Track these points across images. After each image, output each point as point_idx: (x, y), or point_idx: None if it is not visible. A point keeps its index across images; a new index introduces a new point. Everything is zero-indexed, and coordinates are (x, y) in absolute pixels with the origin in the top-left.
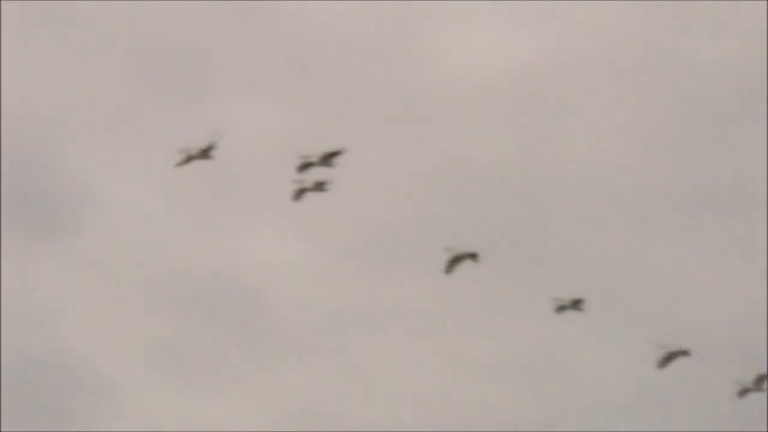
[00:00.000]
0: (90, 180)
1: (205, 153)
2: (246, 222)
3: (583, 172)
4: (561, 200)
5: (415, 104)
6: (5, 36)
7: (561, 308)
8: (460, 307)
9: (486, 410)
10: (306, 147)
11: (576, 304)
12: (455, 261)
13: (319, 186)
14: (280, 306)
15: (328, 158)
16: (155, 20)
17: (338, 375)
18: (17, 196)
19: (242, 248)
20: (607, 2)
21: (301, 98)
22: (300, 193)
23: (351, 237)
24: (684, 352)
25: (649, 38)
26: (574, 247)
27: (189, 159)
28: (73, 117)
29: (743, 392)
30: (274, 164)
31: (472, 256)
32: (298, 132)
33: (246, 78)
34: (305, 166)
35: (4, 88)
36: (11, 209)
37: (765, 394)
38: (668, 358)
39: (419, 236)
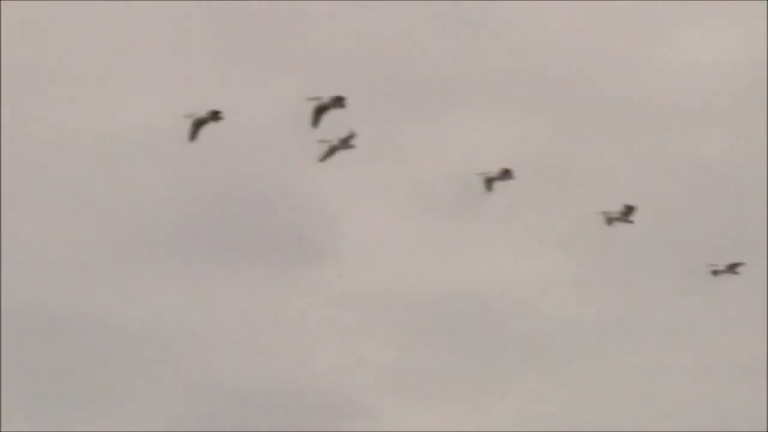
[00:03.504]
0: (339, 209)
1: None
2: (489, 240)
3: None
4: None
5: (641, 105)
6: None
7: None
8: (707, 310)
9: (739, 412)
10: (537, 158)
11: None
12: None
13: (346, 143)
14: (531, 321)
15: (339, 100)
16: (385, 39)
17: (589, 385)
18: (272, 229)
19: (488, 266)
20: None
21: (532, 108)
22: (329, 154)
23: (591, 245)
24: None
25: None
26: None
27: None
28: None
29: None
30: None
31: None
32: (531, 140)
33: (480, 95)
34: (320, 111)
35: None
36: (265, 241)
37: None
38: None
39: (659, 240)
